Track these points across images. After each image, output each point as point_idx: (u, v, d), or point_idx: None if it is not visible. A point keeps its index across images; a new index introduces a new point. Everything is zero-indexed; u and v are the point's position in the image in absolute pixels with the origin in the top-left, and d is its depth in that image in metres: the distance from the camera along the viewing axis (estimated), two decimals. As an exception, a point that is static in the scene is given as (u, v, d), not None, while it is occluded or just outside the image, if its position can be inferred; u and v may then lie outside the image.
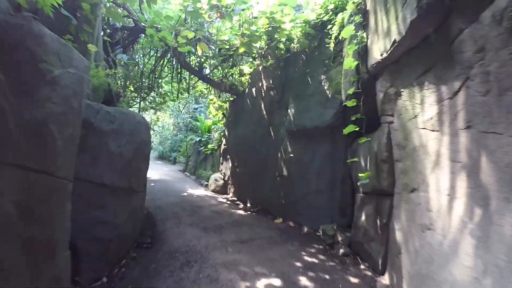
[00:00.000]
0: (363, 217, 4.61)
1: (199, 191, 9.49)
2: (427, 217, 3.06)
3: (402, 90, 3.70)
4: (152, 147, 19.81)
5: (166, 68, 8.86)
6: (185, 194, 8.88)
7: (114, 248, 3.95)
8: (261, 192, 7.51)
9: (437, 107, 3.01)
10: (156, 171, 13.04)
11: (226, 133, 9.35)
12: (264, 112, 7.55)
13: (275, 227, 6.21)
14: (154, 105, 10.96)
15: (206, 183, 10.52)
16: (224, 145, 9.42)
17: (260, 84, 7.92)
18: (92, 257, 3.59)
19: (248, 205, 8.00)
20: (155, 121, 29.40)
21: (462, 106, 2.64)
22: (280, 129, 6.98)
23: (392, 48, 3.57)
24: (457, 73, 2.68)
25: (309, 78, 6.35)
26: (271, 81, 7.48)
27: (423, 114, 3.26)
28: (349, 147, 5.43)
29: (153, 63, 8.74)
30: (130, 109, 10.91)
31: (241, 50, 6.83)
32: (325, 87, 5.92)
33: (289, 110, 6.62)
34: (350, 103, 4.76)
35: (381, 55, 3.88)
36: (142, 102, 10.34)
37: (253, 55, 8.05)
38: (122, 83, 9.35)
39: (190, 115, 16.46)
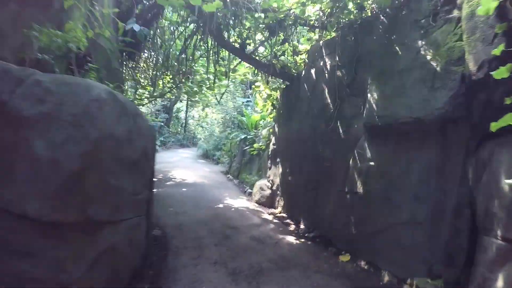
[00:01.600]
0: (501, 282, 2.54)
1: (240, 202, 7.68)
2: None
3: None
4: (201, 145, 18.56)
5: (200, 47, 7.13)
6: (220, 205, 7.12)
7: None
8: (321, 211, 5.53)
9: None
10: (194, 172, 11.52)
11: (276, 129, 7.43)
12: (329, 101, 5.51)
13: (341, 271, 4.23)
14: (189, 95, 9.35)
15: (250, 190, 8.71)
16: (273, 144, 7.50)
17: (321, 64, 5.93)
18: None
19: (302, 226, 6.04)
20: (203, 117, 28.52)
21: None
22: (353, 124, 4.92)
23: None
24: None
25: (397, 47, 4.33)
26: (337, 58, 5.46)
27: None
28: (471, 155, 3.36)
29: (183, 41, 7.08)
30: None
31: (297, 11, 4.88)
32: (428, 57, 3.87)
33: (368, 95, 4.54)
34: (500, 73, 2.59)
35: None
36: (175, 91, 8.81)
37: (311, 22, 6.04)
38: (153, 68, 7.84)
39: (237, 110, 14.79)
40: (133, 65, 7.71)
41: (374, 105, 4.38)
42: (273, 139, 7.60)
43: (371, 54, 4.81)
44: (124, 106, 2.81)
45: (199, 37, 6.99)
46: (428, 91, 3.79)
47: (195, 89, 8.54)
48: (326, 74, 5.75)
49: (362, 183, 4.58)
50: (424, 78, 3.88)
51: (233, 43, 6.85)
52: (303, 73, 6.57)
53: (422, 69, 3.93)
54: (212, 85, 7.76)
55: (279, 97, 7.62)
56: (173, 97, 13.99)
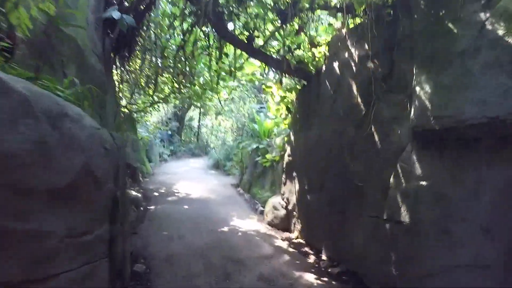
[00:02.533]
0: None
1: (249, 224, 6.58)
2: None
3: None
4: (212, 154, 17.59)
5: (200, 42, 6.14)
6: (225, 229, 6.02)
7: None
8: (349, 240, 4.43)
9: None
10: (201, 185, 10.50)
11: (292, 138, 6.32)
12: (359, 99, 4.39)
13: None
14: (192, 99, 8.36)
15: (262, 208, 7.60)
16: (289, 156, 6.39)
17: (346, 55, 4.87)
18: None
19: (323, 257, 4.93)
20: (216, 125, 27.72)
21: None
22: (394, 129, 3.80)
23: None
24: None
25: (450, 25, 3.27)
26: (366, 46, 4.37)
27: None
28: None
29: (182, 36, 6.14)
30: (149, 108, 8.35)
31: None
32: (499, 32, 2.85)
33: (417, 89, 3.42)
34: None
35: None
36: (177, 94, 7.84)
37: (332, 3, 4.99)
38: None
39: (250, 117, 13.75)
40: (127, 65, 6.79)
41: (426, 102, 3.25)
42: (288, 149, 6.49)
43: (412, 37, 3.73)
44: (25, 102, 1.74)
45: (198, 31, 6.03)
46: (509, 77, 2.67)
47: (198, 91, 7.53)
48: (354, 67, 4.65)
49: (408, 209, 3.43)
50: (498, 60, 2.77)
51: (239, 36, 5.84)
52: (324, 68, 5.48)
53: (493, 49, 2.83)
54: (216, 86, 6.71)
55: (294, 100, 6.54)
56: (177, 102, 12.99)
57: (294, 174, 6.11)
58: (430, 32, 3.48)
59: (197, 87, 7.62)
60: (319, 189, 5.21)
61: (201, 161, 18.83)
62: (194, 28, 6.07)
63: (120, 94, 7.72)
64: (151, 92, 7.83)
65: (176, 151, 21.29)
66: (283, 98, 6.60)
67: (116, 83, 7.40)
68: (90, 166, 2.11)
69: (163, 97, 8.03)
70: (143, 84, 7.37)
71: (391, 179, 3.69)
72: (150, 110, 13.11)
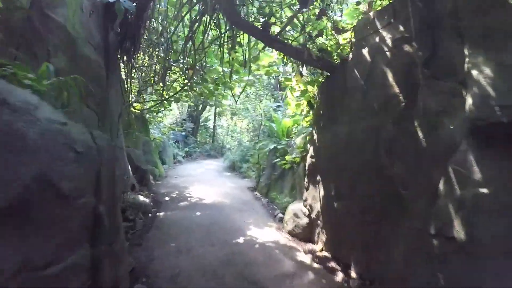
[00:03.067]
0: None
1: (267, 233, 5.99)
2: None
3: None
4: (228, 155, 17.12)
5: (211, 31, 5.59)
6: (240, 240, 5.46)
7: None
8: (385, 255, 3.83)
9: None
10: (216, 189, 9.97)
11: (315, 136, 5.70)
12: (396, 89, 3.76)
13: None
14: (204, 97, 7.80)
15: (281, 215, 7.01)
16: (311, 157, 5.76)
17: (376, 40, 4.26)
18: None
19: (353, 274, 4.33)
20: (232, 126, 27.32)
21: None
22: (443, 123, 3.15)
23: None
24: None
25: None
26: (401, 28, 3.76)
27: None
28: None
29: (189, 26, 5.63)
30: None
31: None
32: None
33: (474, 73, 2.77)
34: None
35: None
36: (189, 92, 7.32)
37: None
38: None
39: (266, 115, 13.17)
40: (133, 60, 6.31)
41: (488, 88, 2.60)
42: (310, 149, 5.86)
43: (457, 13, 3.07)
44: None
45: (208, 19, 5.49)
46: None
47: (210, 86, 6.98)
48: (388, 53, 4.01)
49: (464, 223, 2.77)
50: None
51: (253, 23, 5.27)
52: (351, 56, 4.86)
53: None
54: (229, 80, 6.13)
55: (317, 94, 5.92)
56: (188, 101, 12.48)
57: (318, 177, 5.49)
58: (480, 6, 2.86)
59: (209, 83, 7.08)
60: (349, 195, 4.58)
61: (217, 162, 18.39)
62: (203, 17, 5.55)
63: (131, 93, 7.28)
64: (160, 89, 7.35)
65: (191, 152, 20.94)
66: (304, 92, 5.98)
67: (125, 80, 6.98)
68: (49, 175, 1.58)
69: (172, 95, 7.50)
70: (152, 81, 6.88)
71: (441, 185, 3.04)
72: (162, 110, 12.73)
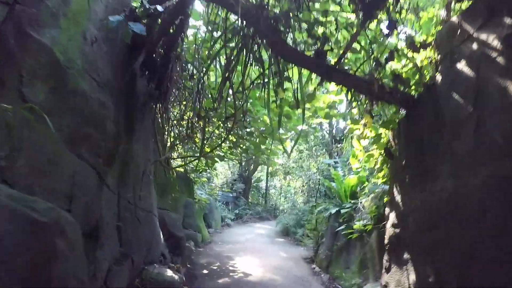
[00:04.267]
0: None
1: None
2: None
3: None
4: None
5: (250, 67, 4.52)
6: None
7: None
8: None
9: None
10: (265, 260, 8.40)
11: (397, 197, 4.14)
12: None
13: None
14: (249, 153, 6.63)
15: (349, 301, 5.27)
16: (394, 226, 4.15)
17: (474, 47, 3.02)
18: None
19: None
20: (285, 186, 25.93)
21: None
22: None
23: None
24: None
25: None
26: (509, 21, 2.47)
27: None
28: None
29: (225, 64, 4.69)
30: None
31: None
32: None
33: None
34: None
35: None
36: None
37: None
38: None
39: (323, 173, 11.70)
40: (164, 108, 5.39)
41: None
42: (391, 216, 4.26)
43: None
44: None
45: (246, 53, 4.50)
46: None
47: (255, 139, 5.80)
48: (499, 58, 2.62)
49: None
50: None
51: (302, 51, 4.17)
52: (439, 78, 3.50)
53: None
54: (277, 128, 4.86)
55: (391, 139, 4.49)
56: (233, 158, 11.30)
57: (406, 255, 3.84)
58: None
59: (255, 136, 5.91)
60: (461, 279, 2.91)
61: (269, 226, 16.90)
62: (241, 53, 4.54)
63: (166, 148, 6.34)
64: (199, 144, 6.35)
65: (242, 214, 19.74)
66: (377, 138, 4.56)
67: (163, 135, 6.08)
68: None
69: (212, 149, 6.41)
70: (187, 134, 5.89)
71: None
72: (207, 169, 11.81)
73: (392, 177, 4.45)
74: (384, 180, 4.95)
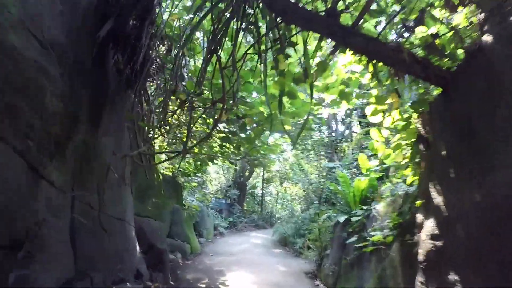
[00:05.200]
0: None
1: None
2: None
3: None
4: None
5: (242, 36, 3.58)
6: None
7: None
8: None
9: None
10: (262, 275, 7.42)
11: (437, 199, 3.18)
12: None
13: None
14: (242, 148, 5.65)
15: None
16: (434, 238, 3.17)
17: None
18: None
19: None
20: (282, 192, 24.93)
21: None
22: None
23: None
24: None
25: None
26: None
27: None
28: None
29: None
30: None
31: None
32: None
33: None
34: None
35: None
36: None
37: None
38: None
39: (326, 176, 10.74)
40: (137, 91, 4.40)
41: None
42: (428, 223, 3.28)
43: None
44: None
45: (238, 17, 3.59)
46: None
47: (249, 132, 4.80)
48: None
49: None
50: None
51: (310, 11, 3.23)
52: (487, 39, 2.63)
53: None
54: (276, 114, 3.84)
55: (422, 124, 3.55)
56: (221, 160, 10.19)
57: (453, 276, 2.86)
58: None
59: (246, 125, 4.92)
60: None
61: (265, 235, 15.97)
62: (231, 20, 3.60)
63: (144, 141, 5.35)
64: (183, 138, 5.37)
65: (236, 222, 18.78)
66: (406, 122, 3.60)
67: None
68: None
69: (197, 143, 5.38)
70: (170, 122, 4.91)
71: None
72: (199, 174, 10.82)
73: (427, 173, 3.48)
74: (413, 175, 3.95)
